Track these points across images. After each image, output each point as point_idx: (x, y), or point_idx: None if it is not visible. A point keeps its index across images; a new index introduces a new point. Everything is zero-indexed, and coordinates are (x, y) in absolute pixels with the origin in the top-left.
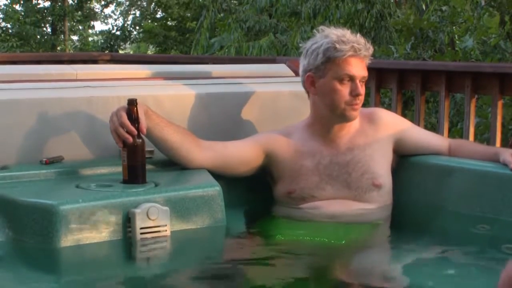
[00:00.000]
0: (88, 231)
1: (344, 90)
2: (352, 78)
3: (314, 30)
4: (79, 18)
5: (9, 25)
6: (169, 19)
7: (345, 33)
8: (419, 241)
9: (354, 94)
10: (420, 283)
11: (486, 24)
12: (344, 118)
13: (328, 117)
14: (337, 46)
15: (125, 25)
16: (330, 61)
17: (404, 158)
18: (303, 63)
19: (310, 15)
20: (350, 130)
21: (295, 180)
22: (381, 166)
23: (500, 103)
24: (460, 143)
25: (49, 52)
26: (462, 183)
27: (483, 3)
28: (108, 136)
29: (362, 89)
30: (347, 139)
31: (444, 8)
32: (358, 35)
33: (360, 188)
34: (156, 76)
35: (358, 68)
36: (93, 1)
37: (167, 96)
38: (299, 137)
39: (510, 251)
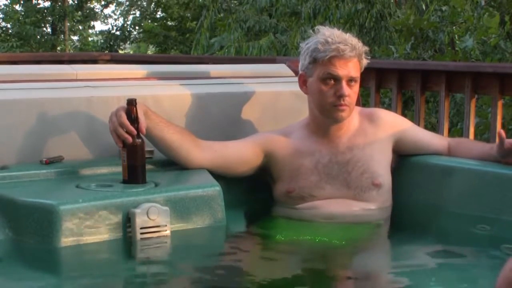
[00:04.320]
0: (88, 231)
1: (329, 91)
2: (336, 79)
3: (310, 30)
4: (79, 18)
5: (9, 25)
6: (169, 19)
7: (333, 34)
8: (419, 241)
9: (337, 94)
10: (420, 283)
11: (486, 24)
12: (331, 119)
13: (319, 117)
14: (320, 47)
15: (125, 25)
16: (316, 61)
17: (404, 158)
18: (299, 62)
19: (310, 15)
20: (349, 129)
21: (295, 179)
22: (380, 166)
23: (500, 103)
24: (459, 141)
25: (49, 52)
26: (462, 183)
27: (483, 3)
28: (108, 136)
29: (350, 90)
30: (346, 139)
31: (444, 8)
32: (348, 34)
33: (360, 188)
34: (156, 76)
35: (343, 69)
36: (93, 1)
37: (167, 96)
38: (298, 137)
39: (510, 251)
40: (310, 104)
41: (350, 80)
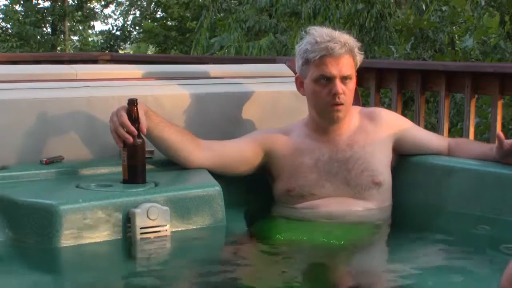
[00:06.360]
0: (88, 231)
1: (323, 91)
2: (329, 78)
3: (303, 32)
4: (79, 18)
5: (9, 25)
6: (169, 19)
7: (322, 33)
8: (419, 241)
9: (332, 93)
10: (420, 283)
11: (486, 24)
12: (328, 120)
13: (317, 118)
14: (309, 47)
15: (125, 25)
16: (307, 63)
17: (404, 158)
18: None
19: (310, 15)
20: (350, 128)
21: (294, 177)
22: (381, 164)
23: (500, 103)
24: (459, 141)
25: (49, 52)
26: (462, 183)
27: (483, 3)
28: (108, 136)
29: (345, 87)
30: (346, 137)
31: (444, 8)
32: (338, 32)
33: (360, 186)
34: (156, 76)
35: (335, 68)
36: (93, 1)
37: (167, 96)
38: (298, 135)
39: (510, 251)
40: (308, 105)
41: (344, 78)
